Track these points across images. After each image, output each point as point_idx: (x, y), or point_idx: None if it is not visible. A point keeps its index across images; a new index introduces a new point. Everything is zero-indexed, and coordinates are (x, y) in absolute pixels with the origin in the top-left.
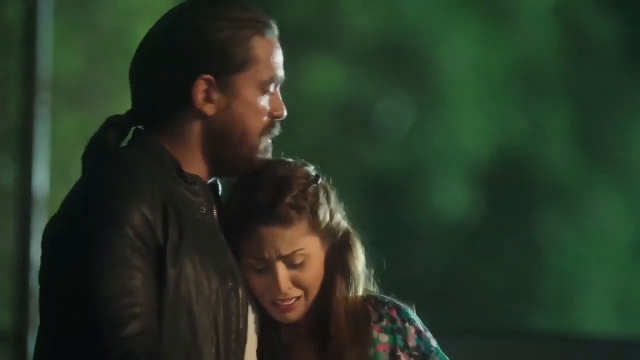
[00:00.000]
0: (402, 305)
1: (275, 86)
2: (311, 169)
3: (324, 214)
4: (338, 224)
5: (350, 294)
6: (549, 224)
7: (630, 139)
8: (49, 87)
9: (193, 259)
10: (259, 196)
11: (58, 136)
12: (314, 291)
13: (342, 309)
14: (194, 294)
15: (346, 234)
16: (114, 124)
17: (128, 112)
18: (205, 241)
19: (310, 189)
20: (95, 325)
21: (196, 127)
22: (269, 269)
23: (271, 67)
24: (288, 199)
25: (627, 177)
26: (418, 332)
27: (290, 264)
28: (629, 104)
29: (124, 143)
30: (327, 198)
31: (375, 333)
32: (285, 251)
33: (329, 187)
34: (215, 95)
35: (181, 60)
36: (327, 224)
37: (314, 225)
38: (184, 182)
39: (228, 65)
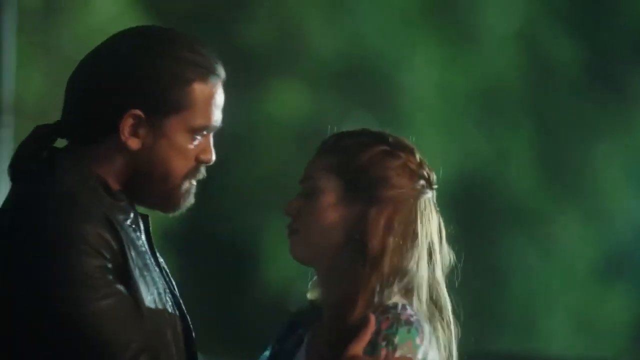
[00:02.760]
0: (406, 320)
1: (209, 132)
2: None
3: (355, 162)
4: (377, 189)
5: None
6: (512, 246)
7: (592, 162)
8: (11, 110)
9: (148, 282)
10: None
11: None
12: (313, 235)
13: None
14: (160, 315)
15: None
16: (39, 136)
17: (57, 123)
18: (145, 261)
19: (368, 141)
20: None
21: (119, 157)
22: None
23: (206, 115)
24: (338, 135)
25: (589, 200)
26: (391, 354)
27: (304, 190)
28: (591, 127)
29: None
30: (380, 162)
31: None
32: (303, 175)
33: (400, 167)
34: (142, 132)
35: (115, 91)
36: (356, 174)
37: (341, 166)
38: (111, 200)
39: (160, 105)
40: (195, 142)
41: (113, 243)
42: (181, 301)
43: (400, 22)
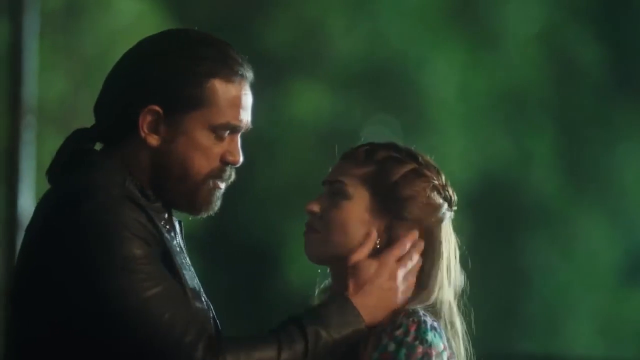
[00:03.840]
0: (431, 325)
1: (233, 132)
2: (427, 164)
3: (387, 177)
4: (405, 206)
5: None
6: (535, 247)
7: (615, 163)
8: (34, 112)
9: (189, 275)
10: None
11: (43, 160)
12: (333, 237)
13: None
14: (201, 307)
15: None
16: (77, 139)
17: (93, 126)
18: (181, 259)
19: (400, 158)
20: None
21: (143, 155)
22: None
23: (228, 114)
24: (371, 147)
25: (612, 201)
26: (426, 355)
27: (329, 192)
28: (613, 128)
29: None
30: (410, 181)
31: (385, 339)
32: (330, 177)
33: (432, 193)
34: (162, 128)
35: (135, 88)
36: (387, 189)
37: (373, 179)
38: (145, 200)
39: (179, 102)
40: (219, 142)
41: (153, 230)
42: (211, 306)
43: (422, 24)
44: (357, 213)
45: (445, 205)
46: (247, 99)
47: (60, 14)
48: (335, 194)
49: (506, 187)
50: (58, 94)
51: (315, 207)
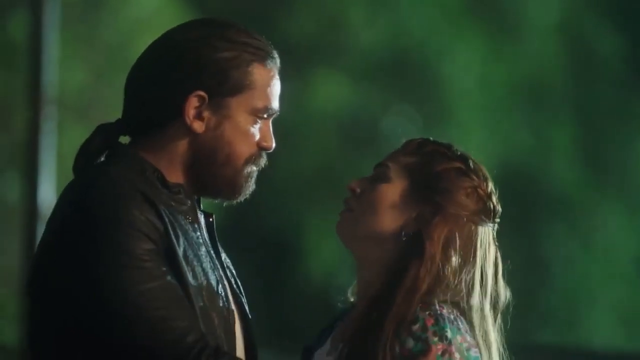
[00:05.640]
0: (447, 317)
1: (269, 117)
2: (465, 159)
3: (429, 168)
4: (440, 199)
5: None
6: (555, 239)
7: (635, 154)
8: (54, 102)
9: (198, 271)
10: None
11: (64, 151)
12: (363, 217)
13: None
14: (209, 306)
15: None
16: (103, 133)
17: (118, 120)
18: (197, 252)
19: (449, 155)
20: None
21: (183, 143)
22: None
23: (267, 97)
24: (425, 140)
25: (632, 193)
26: (446, 352)
27: (374, 174)
28: (634, 120)
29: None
30: (452, 177)
31: (403, 335)
32: (382, 161)
33: (468, 186)
34: (207, 114)
35: (178, 75)
36: (426, 179)
37: (415, 166)
38: (167, 192)
39: (223, 86)
40: (257, 126)
41: (159, 226)
42: (244, 301)
43: (442, 15)
44: (391, 197)
45: (484, 211)
46: (279, 84)
47: (81, 5)
48: (378, 177)
49: (526, 177)
50: (78, 84)
51: (356, 186)
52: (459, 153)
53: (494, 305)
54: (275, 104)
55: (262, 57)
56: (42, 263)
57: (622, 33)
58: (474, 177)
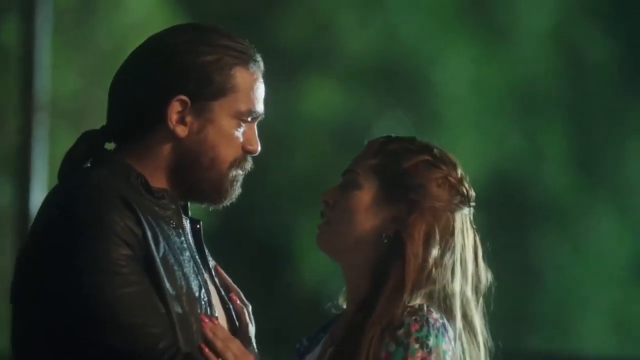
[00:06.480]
0: (433, 325)
1: (253, 120)
2: (438, 154)
3: (397, 166)
4: (414, 196)
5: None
6: (547, 244)
7: (627, 159)
8: (47, 108)
9: (178, 276)
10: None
11: (56, 157)
12: (341, 227)
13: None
14: (189, 312)
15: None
16: (87, 140)
17: (102, 127)
18: (178, 257)
19: (413, 149)
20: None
21: (167, 148)
22: None
23: (250, 100)
24: (387, 138)
25: (624, 197)
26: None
27: (343, 182)
28: (625, 125)
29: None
30: (421, 171)
31: (387, 338)
32: (347, 167)
33: (441, 179)
34: (189, 118)
35: (160, 79)
36: (395, 178)
37: (382, 167)
38: (151, 197)
39: (206, 90)
40: (241, 130)
41: (137, 232)
42: (231, 306)
43: (434, 20)
44: (365, 202)
45: (459, 198)
46: (263, 88)
47: (73, 11)
48: (348, 184)
49: (518, 182)
50: (70, 90)
51: (328, 197)
52: (422, 144)
53: (476, 289)
54: (259, 107)
55: (245, 61)
56: (24, 267)
57: (614, 38)
58: (443, 167)
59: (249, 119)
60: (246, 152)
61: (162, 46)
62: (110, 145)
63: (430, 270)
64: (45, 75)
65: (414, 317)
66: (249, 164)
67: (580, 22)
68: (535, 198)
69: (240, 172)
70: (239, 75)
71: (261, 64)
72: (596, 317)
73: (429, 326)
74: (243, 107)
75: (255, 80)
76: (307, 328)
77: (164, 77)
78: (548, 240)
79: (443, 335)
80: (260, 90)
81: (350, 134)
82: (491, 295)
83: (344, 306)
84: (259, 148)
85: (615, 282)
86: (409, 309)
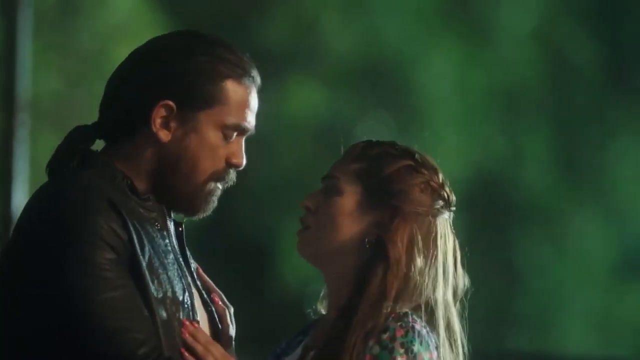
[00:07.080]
0: (419, 332)
1: (240, 134)
2: (419, 158)
3: (379, 171)
4: (396, 201)
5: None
6: (529, 245)
7: (609, 161)
8: (28, 109)
9: (163, 279)
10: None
11: (37, 158)
12: (323, 234)
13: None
14: (172, 316)
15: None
16: (79, 134)
17: (94, 123)
18: (163, 261)
19: (395, 154)
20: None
21: (150, 151)
22: None
23: (239, 114)
24: (368, 143)
25: (606, 199)
26: None
27: (324, 188)
28: (608, 126)
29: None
30: (403, 176)
31: (371, 342)
32: (328, 173)
33: (423, 184)
34: (174, 124)
35: (148, 83)
36: (378, 183)
37: (364, 173)
38: (136, 199)
39: (194, 98)
40: (226, 143)
41: (123, 235)
42: (213, 309)
43: (417, 21)
44: (347, 208)
45: (440, 203)
46: (256, 103)
47: (55, 11)
48: (329, 190)
49: (500, 184)
50: (52, 91)
51: (309, 203)
52: (404, 149)
53: (454, 294)
54: (248, 122)
55: (239, 74)
56: (6, 267)
57: (598, 40)
58: (424, 172)
59: (236, 133)
60: (230, 165)
61: (159, 49)
62: (99, 144)
63: (415, 278)
64: (26, 76)
65: (399, 323)
66: (230, 178)
67: (563, 23)
68: (518, 199)
69: (218, 185)
70: (231, 88)
71: (257, 79)
72: (578, 317)
73: (414, 332)
74: (230, 121)
75: (248, 94)
76: (290, 329)
77: (153, 79)
78: (530, 240)
79: (427, 344)
80: (251, 105)
81: (333, 135)
82: (473, 296)
83: (323, 311)
84: (244, 162)
85: (597, 283)
86: (393, 315)
